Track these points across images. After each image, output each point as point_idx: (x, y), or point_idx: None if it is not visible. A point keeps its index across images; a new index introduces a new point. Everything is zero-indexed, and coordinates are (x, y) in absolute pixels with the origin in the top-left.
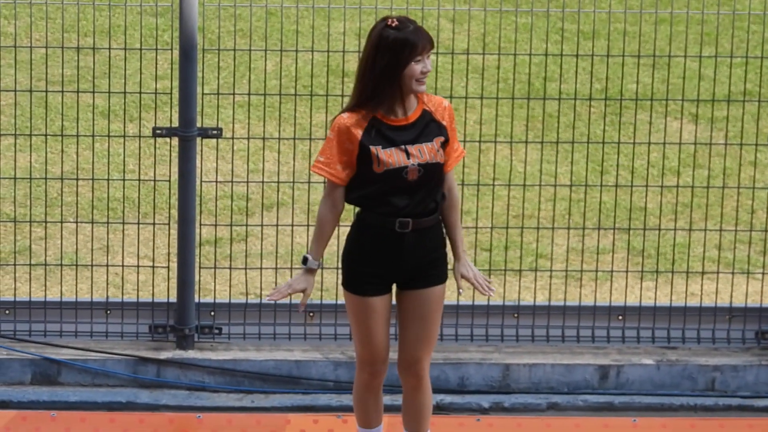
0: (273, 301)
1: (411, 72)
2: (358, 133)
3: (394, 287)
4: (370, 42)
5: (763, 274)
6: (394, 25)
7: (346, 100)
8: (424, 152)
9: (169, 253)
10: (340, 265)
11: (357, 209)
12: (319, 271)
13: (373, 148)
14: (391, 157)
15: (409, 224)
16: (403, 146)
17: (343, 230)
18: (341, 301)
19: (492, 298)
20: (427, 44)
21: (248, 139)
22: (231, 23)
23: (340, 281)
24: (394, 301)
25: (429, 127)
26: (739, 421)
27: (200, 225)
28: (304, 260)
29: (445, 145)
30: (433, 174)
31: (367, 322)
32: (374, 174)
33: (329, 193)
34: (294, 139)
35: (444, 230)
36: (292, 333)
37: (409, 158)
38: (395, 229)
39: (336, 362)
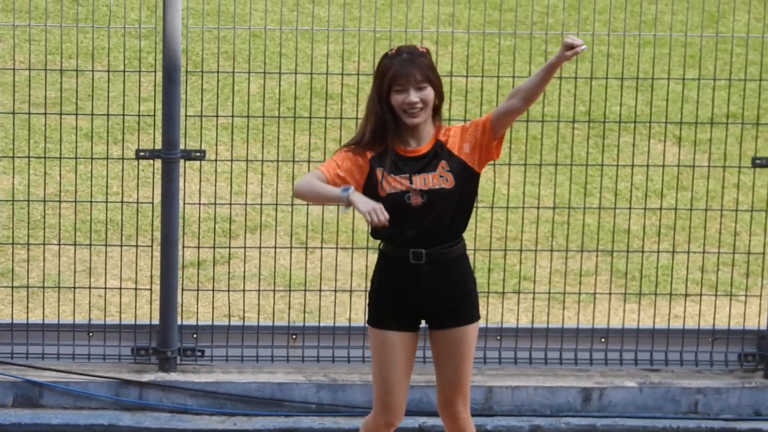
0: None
1: (395, 102)
2: (369, 153)
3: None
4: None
5: (746, 296)
6: (390, 54)
7: (330, 122)
8: (428, 180)
9: (152, 275)
10: (323, 287)
11: (380, 243)
12: (301, 294)
13: (378, 170)
14: (394, 181)
15: (422, 255)
16: (407, 174)
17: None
18: (324, 323)
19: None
20: (408, 74)
21: (232, 161)
22: (215, 45)
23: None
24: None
25: (437, 157)
26: None
27: (183, 247)
28: (345, 196)
29: (455, 168)
30: (440, 201)
31: (385, 359)
32: (379, 198)
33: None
34: (278, 161)
35: (470, 265)
36: (274, 355)
37: (411, 184)
38: (410, 260)
39: (318, 384)
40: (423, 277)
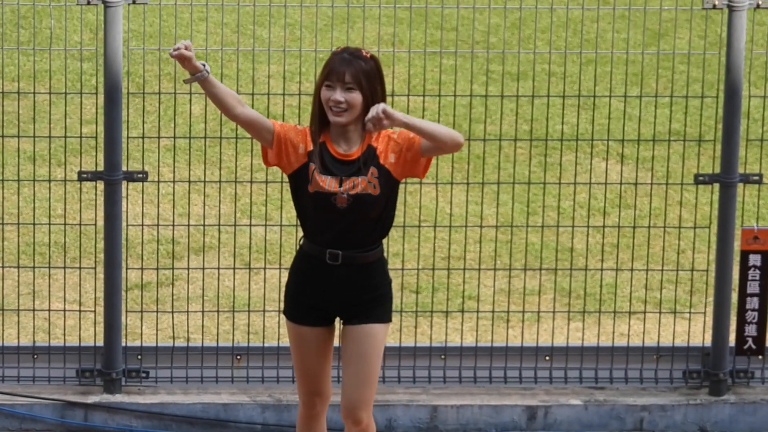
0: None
1: (323, 96)
2: (310, 144)
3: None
4: None
5: (690, 313)
6: (337, 50)
7: None
8: (357, 184)
9: (96, 297)
10: (267, 307)
11: (300, 239)
12: (245, 314)
13: (311, 165)
14: (324, 182)
15: (338, 256)
16: (338, 176)
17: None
18: (268, 344)
19: (420, 339)
20: (340, 72)
21: (174, 182)
22: (157, 67)
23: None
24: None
25: (367, 163)
26: None
27: (127, 269)
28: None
29: (383, 176)
30: (364, 206)
31: (301, 352)
32: (307, 193)
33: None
34: (220, 182)
35: (386, 269)
36: (219, 376)
37: (340, 186)
38: (326, 260)
39: (263, 405)
40: (338, 277)
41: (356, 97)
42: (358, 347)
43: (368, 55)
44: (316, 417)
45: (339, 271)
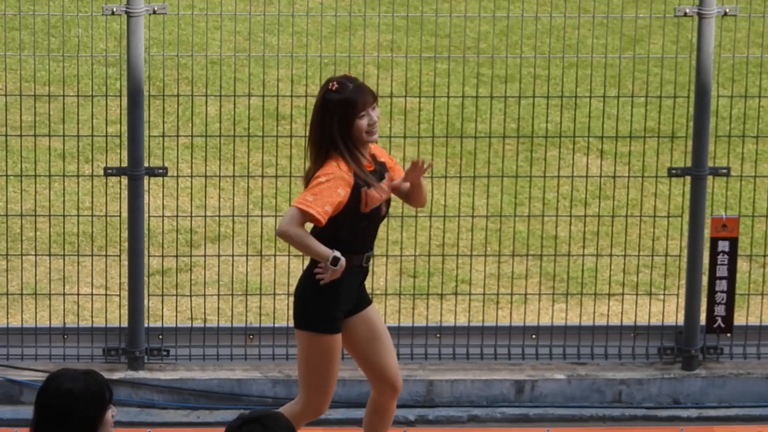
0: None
1: (359, 128)
2: (352, 178)
3: None
4: (317, 107)
5: (664, 295)
6: (334, 88)
7: (282, 140)
8: (386, 189)
9: (121, 282)
10: (277, 291)
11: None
12: (258, 297)
13: (363, 191)
14: (374, 197)
15: (371, 257)
16: (378, 186)
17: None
18: (279, 324)
19: (417, 320)
20: (368, 99)
21: (192, 177)
22: (176, 72)
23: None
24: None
25: (382, 168)
26: (644, 430)
27: (149, 256)
28: (335, 260)
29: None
30: (388, 208)
31: (335, 359)
32: (361, 215)
33: (300, 223)
34: (234, 176)
35: None
36: (233, 354)
37: (382, 196)
38: (362, 264)
39: (274, 380)
40: (363, 276)
41: (378, 110)
42: (379, 322)
43: (354, 77)
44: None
45: (364, 271)
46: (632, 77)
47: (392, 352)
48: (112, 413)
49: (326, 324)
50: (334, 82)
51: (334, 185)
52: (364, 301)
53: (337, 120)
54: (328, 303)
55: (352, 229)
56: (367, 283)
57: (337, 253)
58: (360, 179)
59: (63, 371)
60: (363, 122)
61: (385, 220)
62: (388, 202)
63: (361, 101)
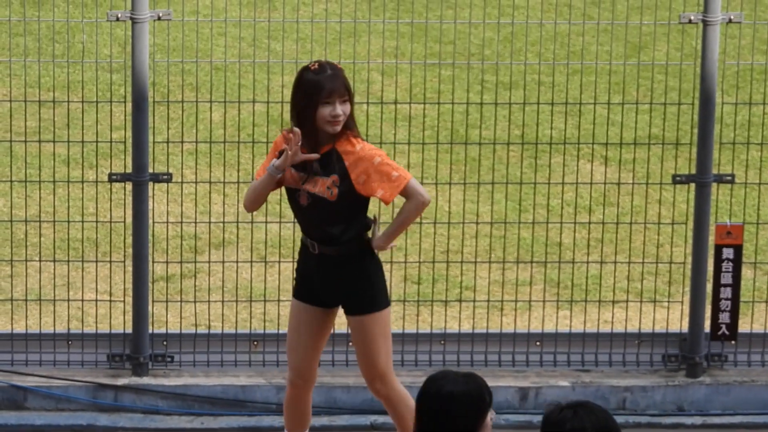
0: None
1: (321, 114)
2: (283, 145)
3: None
4: (294, 82)
5: (669, 302)
6: (313, 68)
7: None
8: (317, 184)
9: (125, 288)
10: (281, 297)
11: None
12: (262, 304)
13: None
14: (292, 177)
15: (315, 246)
16: (303, 173)
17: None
18: (283, 330)
19: (421, 326)
20: (337, 90)
21: (197, 183)
22: (180, 78)
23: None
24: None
25: (331, 164)
26: None
27: (153, 262)
28: (273, 171)
29: (344, 185)
30: (323, 207)
31: (292, 324)
32: (284, 188)
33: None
34: (238, 182)
35: (367, 266)
36: (238, 360)
37: (304, 184)
38: (309, 248)
39: (278, 386)
40: (317, 265)
41: (348, 107)
42: (355, 335)
43: (339, 65)
44: (299, 398)
45: (317, 260)
46: (636, 84)
47: (360, 360)
48: (491, 416)
49: (293, 288)
50: (316, 64)
51: (273, 150)
52: (345, 306)
53: (304, 100)
54: (297, 268)
55: (287, 195)
56: None
57: (270, 165)
58: (283, 154)
59: (443, 373)
60: (326, 110)
61: None
62: (313, 199)
63: (329, 88)
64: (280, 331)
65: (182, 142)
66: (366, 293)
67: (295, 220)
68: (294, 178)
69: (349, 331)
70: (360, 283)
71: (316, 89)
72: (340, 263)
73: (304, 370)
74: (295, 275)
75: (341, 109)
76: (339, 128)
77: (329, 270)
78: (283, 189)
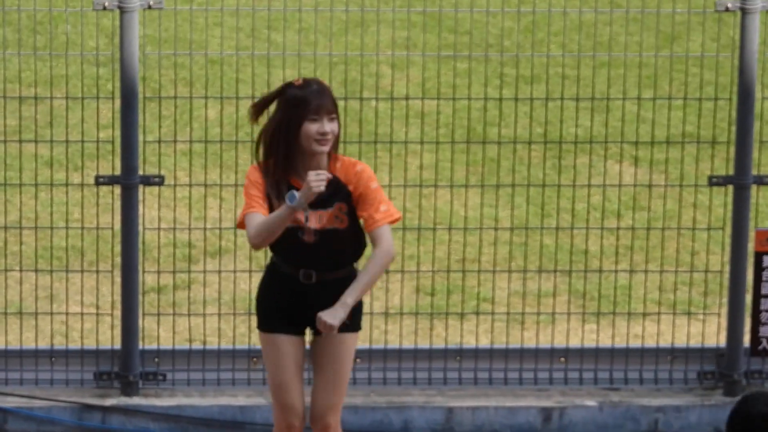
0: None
1: (307, 131)
2: (265, 182)
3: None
4: (276, 100)
5: (704, 314)
6: (297, 84)
7: None
8: (323, 219)
9: (113, 301)
10: None
11: (272, 255)
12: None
13: (276, 203)
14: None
15: (312, 276)
16: (303, 211)
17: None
18: None
19: (435, 341)
20: (326, 105)
21: (191, 186)
22: (172, 72)
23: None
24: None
25: (333, 194)
26: None
27: (144, 272)
28: (296, 204)
29: (351, 211)
30: (332, 239)
31: (277, 361)
32: None
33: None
34: (236, 185)
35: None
36: (235, 378)
37: (307, 222)
38: (300, 279)
39: None
40: (311, 293)
41: (336, 125)
42: (330, 354)
43: (325, 83)
44: None
45: (313, 287)
46: (669, 78)
47: (323, 387)
48: None
49: (263, 322)
50: (301, 79)
51: (254, 181)
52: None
53: (287, 116)
54: (263, 303)
55: (278, 240)
56: (381, 302)
57: (292, 196)
58: (272, 189)
59: (757, 394)
60: (312, 127)
61: (403, 234)
62: (321, 234)
63: (315, 104)
64: None
65: (175, 141)
66: (356, 310)
67: (281, 258)
68: (295, 218)
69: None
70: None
71: (302, 103)
72: (339, 285)
73: (298, 408)
74: (260, 307)
75: (329, 127)
76: (326, 148)
77: (324, 295)
78: None
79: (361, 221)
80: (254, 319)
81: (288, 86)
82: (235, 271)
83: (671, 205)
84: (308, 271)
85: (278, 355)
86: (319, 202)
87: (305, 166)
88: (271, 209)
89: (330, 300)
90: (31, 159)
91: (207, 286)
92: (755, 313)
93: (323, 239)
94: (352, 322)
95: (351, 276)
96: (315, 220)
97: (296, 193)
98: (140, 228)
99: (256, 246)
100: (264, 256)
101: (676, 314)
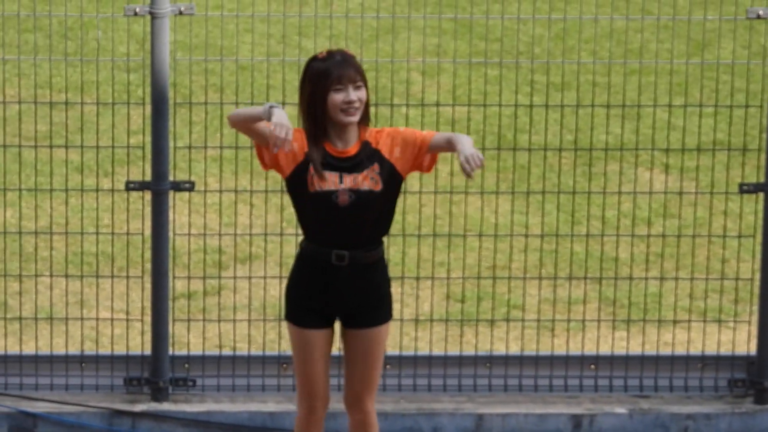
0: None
1: (333, 101)
2: (306, 145)
3: (337, 325)
4: (301, 74)
5: (735, 322)
6: (320, 56)
7: None
8: (357, 180)
9: (143, 307)
10: None
11: (300, 242)
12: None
13: (311, 167)
14: (323, 180)
15: (345, 257)
16: (338, 172)
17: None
18: None
19: (465, 348)
20: (348, 74)
21: (221, 192)
22: (203, 78)
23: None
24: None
25: (367, 157)
26: None
27: (174, 278)
28: (268, 109)
29: (385, 170)
30: (367, 202)
31: (306, 356)
32: (307, 195)
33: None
34: (266, 191)
35: (387, 269)
36: (265, 384)
37: (341, 183)
38: (332, 261)
39: None
40: (342, 278)
41: (364, 93)
42: (364, 349)
43: (350, 53)
44: (316, 423)
45: (344, 272)
46: (700, 85)
47: (358, 377)
48: None
49: (289, 313)
50: (325, 52)
51: (297, 134)
52: (355, 317)
53: (312, 89)
54: (292, 292)
55: (306, 211)
56: (411, 309)
57: (274, 104)
58: (313, 155)
59: None
60: (338, 97)
61: (433, 241)
62: (356, 195)
63: (338, 73)
64: None
65: (205, 147)
66: (389, 299)
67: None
68: (328, 179)
69: (344, 346)
70: (386, 288)
71: (325, 75)
72: (370, 272)
73: (323, 394)
74: (289, 299)
75: (355, 95)
76: (355, 118)
77: (354, 282)
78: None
79: (435, 143)
80: (285, 326)
81: (312, 60)
82: (265, 278)
83: (702, 213)
84: (340, 252)
85: (307, 350)
86: (353, 166)
87: (337, 137)
88: (304, 176)
89: (360, 288)
90: (62, 164)
91: (237, 293)
92: None
93: (357, 202)
94: (385, 312)
95: (381, 263)
96: (349, 181)
97: (277, 107)
98: (170, 234)
99: (229, 124)
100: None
101: (706, 322)
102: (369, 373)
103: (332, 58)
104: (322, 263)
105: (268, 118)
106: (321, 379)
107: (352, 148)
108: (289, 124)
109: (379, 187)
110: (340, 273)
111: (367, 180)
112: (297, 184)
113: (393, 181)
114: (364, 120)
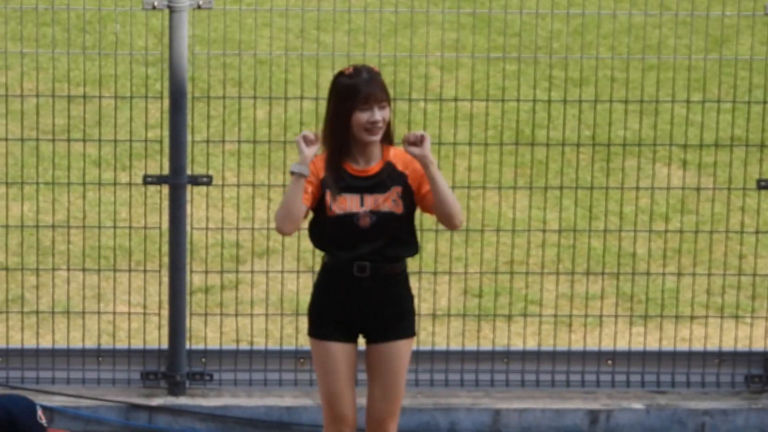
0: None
1: (357, 120)
2: (321, 172)
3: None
4: (328, 90)
5: (752, 318)
6: (347, 73)
7: None
8: (379, 202)
9: (160, 301)
10: None
11: (323, 256)
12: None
13: (327, 192)
14: (344, 201)
15: (366, 268)
16: (358, 194)
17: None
18: None
19: (482, 343)
20: (374, 94)
21: (239, 186)
22: (221, 72)
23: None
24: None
25: (388, 178)
26: None
27: (191, 272)
28: (297, 172)
29: (407, 195)
30: (388, 223)
31: (327, 369)
32: (327, 218)
33: None
34: (284, 186)
35: (409, 282)
36: (282, 379)
37: (362, 205)
38: (353, 273)
39: None
40: (365, 290)
41: (388, 112)
42: (386, 364)
43: (377, 69)
44: None
45: (365, 284)
46: (718, 81)
47: (381, 395)
48: None
49: (313, 328)
50: (351, 68)
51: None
52: (378, 331)
53: (337, 106)
54: (315, 307)
55: (325, 235)
56: (428, 303)
57: (294, 166)
58: (328, 180)
59: None
60: (363, 116)
61: (450, 235)
62: (378, 217)
63: (365, 92)
64: None
65: (223, 141)
66: (411, 315)
67: (335, 251)
68: (348, 201)
69: (366, 365)
70: (408, 303)
71: (352, 93)
72: (393, 283)
73: (350, 416)
74: (312, 314)
75: (380, 115)
76: (378, 137)
77: (377, 293)
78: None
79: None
80: (302, 320)
81: (339, 75)
82: (282, 272)
83: (719, 209)
84: (362, 263)
85: (330, 364)
86: (374, 186)
87: (360, 154)
88: (322, 201)
89: (382, 301)
90: (80, 158)
91: (254, 287)
92: None
93: (379, 223)
94: (407, 327)
95: (404, 276)
96: (371, 203)
97: (296, 165)
98: (188, 228)
99: (279, 229)
100: (312, 257)
101: (723, 317)
102: (390, 392)
103: (359, 75)
104: (344, 275)
105: (295, 170)
106: (346, 397)
107: (374, 166)
108: (307, 152)
109: (400, 210)
110: (361, 284)
111: (389, 202)
112: (317, 213)
113: (411, 202)
114: (386, 139)
